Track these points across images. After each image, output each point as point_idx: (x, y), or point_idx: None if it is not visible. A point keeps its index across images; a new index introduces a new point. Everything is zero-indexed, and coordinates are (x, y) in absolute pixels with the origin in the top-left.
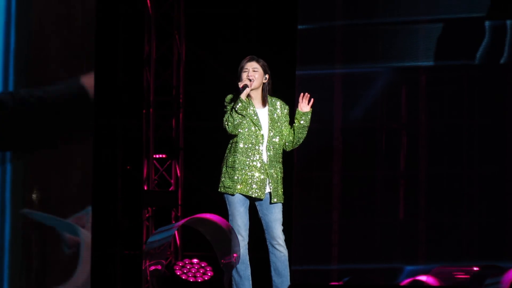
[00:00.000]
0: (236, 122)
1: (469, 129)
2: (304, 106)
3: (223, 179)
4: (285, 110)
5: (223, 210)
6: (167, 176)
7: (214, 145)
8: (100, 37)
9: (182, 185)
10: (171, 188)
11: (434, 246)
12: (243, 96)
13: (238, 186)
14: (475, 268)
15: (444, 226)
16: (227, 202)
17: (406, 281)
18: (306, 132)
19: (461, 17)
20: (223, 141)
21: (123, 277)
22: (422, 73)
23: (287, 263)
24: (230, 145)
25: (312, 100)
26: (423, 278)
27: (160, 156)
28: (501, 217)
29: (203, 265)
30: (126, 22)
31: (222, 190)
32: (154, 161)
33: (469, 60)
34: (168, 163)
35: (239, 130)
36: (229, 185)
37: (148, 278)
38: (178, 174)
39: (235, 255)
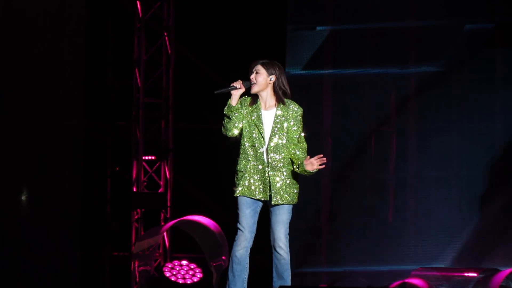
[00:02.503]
0: (225, 124)
1: (459, 132)
2: (311, 165)
3: (234, 181)
4: (295, 113)
5: (212, 212)
6: (156, 178)
7: (203, 146)
8: (90, 39)
9: (171, 187)
10: (160, 190)
11: (423, 248)
12: (232, 100)
13: (240, 189)
14: (472, 274)
15: (433, 229)
16: (236, 203)
17: (395, 284)
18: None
19: (450, 22)
20: (212, 143)
21: (112, 279)
22: (412, 76)
23: (287, 267)
24: (239, 149)
25: (323, 166)
26: (412, 280)
27: (149, 157)
28: (491, 220)
29: (192, 266)
30: (115, 23)
31: (233, 192)
32: (143, 163)
33: (457, 64)
34: (157, 164)
35: (229, 134)
36: (234, 187)
37: (137, 279)
38: (167, 176)
39: (223, 257)
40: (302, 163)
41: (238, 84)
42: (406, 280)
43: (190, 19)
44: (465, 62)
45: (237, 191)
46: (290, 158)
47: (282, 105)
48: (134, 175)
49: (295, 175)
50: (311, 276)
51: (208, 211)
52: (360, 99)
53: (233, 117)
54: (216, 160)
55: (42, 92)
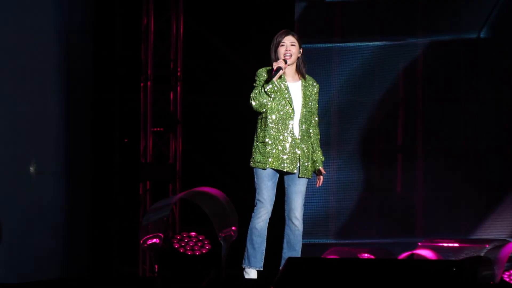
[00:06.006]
0: (263, 102)
1: (467, 103)
2: (318, 180)
3: (254, 154)
4: (316, 89)
5: (221, 183)
6: (164, 150)
7: (212, 118)
8: (98, 10)
9: (180, 159)
10: (169, 162)
11: (432, 220)
12: (275, 78)
13: (270, 160)
14: (480, 245)
15: (442, 200)
16: (255, 176)
17: (403, 255)
18: None
19: None
20: (220, 114)
21: (121, 251)
22: (420, 47)
23: (300, 238)
24: (260, 120)
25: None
26: (421, 251)
27: (158, 129)
28: (498, 191)
29: (201, 238)
30: None
31: (253, 165)
32: (152, 135)
33: (467, 34)
34: (166, 136)
35: (262, 110)
36: (260, 159)
37: (146, 251)
38: (176, 148)
39: (233, 228)
40: (318, 168)
41: (283, 64)
42: (415, 252)
43: None
44: (474, 32)
45: (265, 164)
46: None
47: (303, 79)
48: (142, 147)
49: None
50: (319, 247)
51: (217, 182)
52: (368, 71)
53: (274, 95)
54: (225, 132)
55: (50, 64)
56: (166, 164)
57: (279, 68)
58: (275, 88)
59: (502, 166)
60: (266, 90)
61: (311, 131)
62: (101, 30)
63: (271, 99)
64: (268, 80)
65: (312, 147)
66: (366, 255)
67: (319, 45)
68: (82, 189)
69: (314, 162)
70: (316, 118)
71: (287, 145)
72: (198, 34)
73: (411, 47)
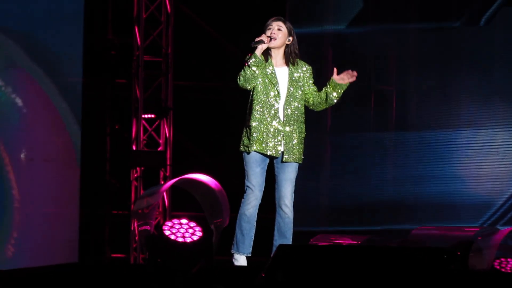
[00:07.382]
0: (247, 76)
1: (458, 90)
2: (342, 80)
3: (243, 138)
4: (308, 71)
5: (212, 170)
6: (156, 136)
7: (203, 104)
8: None
9: (171, 145)
10: (160, 148)
11: (423, 208)
12: (257, 52)
13: (255, 145)
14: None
15: (433, 188)
16: (244, 161)
17: (395, 242)
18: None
19: None
20: (211, 100)
21: (111, 237)
22: (411, 33)
23: (290, 225)
24: (249, 105)
25: (354, 78)
26: (412, 239)
27: (149, 116)
28: (490, 179)
29: (192, 225)
30: None
31: (242, 149)
32: (143, 121)
33: (458, 20)
34: (157, 123)
35: (248, 86)
36: (247, 143)
37: (137, 238)
38: (167, 134)
39: (224, 215)
40: (332, 81)
41: (265, 38)
42: (406, 239)
43: None
44: (466, 19)
45: (250, 147)
46: (312, 101)
47: (292, 65)
48: (133, 134)
49: (303, 135)
50: (310, 235)
51: (208, 169)
52: (360, 57)
53: (258, 69)
54: (216, 118)
55: (42, 50)
56: (157, 150)
57: (261, 41)
58: (258, 60)
59: (494, 153)
60: (249, 63)
61: (321, 94)
62: (92, 16)
63: (254, 72)
64: (250, 54)
65: (325, 95)
66: (348, 240)
67: (311, 30)
68: (73, 176)
69: (331, 86)
70: (313, 100)
71: (271, 128)
72: (189, 21)
73: (402, 32)
